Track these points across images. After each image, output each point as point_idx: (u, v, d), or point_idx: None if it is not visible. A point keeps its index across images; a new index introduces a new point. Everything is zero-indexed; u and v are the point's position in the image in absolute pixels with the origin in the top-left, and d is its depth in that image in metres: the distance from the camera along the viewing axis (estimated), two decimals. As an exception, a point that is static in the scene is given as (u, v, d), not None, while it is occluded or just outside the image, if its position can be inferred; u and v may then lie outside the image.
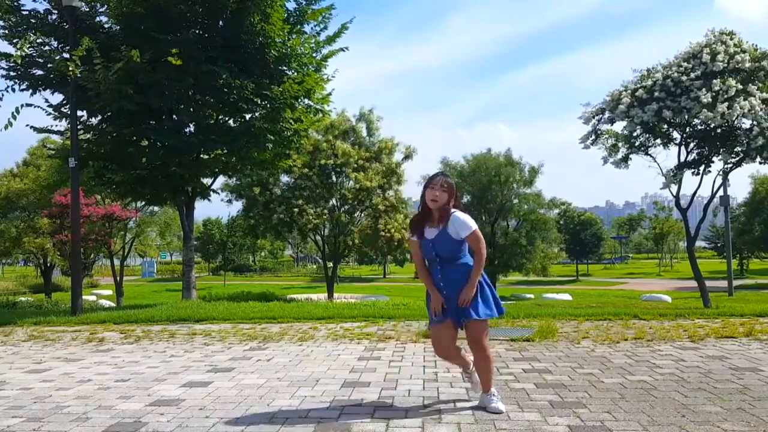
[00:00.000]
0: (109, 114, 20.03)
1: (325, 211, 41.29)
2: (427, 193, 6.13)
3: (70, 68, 16.88)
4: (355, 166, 40.08)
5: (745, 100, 18.66)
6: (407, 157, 44.06)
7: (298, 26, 20.85)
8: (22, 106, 16.28)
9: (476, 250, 6.15)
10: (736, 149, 20.20)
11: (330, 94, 21.93)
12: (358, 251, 48.45)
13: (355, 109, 50.90)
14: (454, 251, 6.15)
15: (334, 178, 41.15)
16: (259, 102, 20.07)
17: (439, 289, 6.20)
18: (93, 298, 42.46)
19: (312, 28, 21.37)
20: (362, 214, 43.02)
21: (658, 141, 21.12)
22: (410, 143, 47.07)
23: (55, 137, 32.44)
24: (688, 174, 20.97)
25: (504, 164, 59.99)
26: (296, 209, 39.22)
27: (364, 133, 44.00)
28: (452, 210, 6.16)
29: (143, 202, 32.87)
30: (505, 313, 6.56)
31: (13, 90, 18.85)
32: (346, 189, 40.77)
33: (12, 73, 19.14)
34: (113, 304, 29.86)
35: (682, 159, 20.88)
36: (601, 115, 21.02)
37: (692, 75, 19.16)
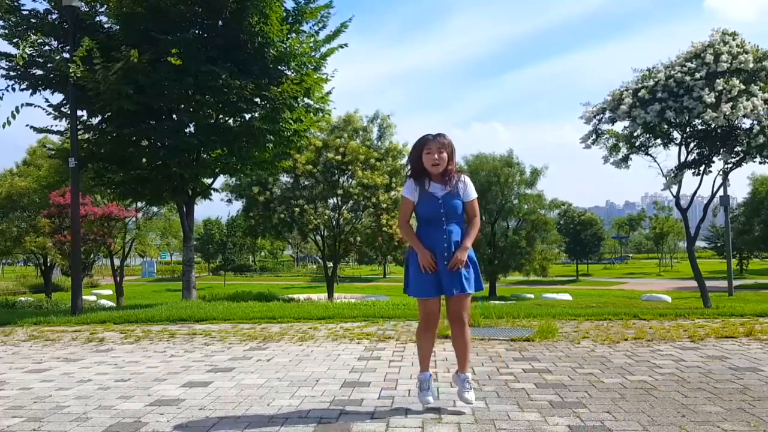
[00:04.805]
0: (109, 114, 19.99)
1: (327, 211, 41.34)
2: (426, 158, 6.13)
3: (72, 69, 16.89)
4: (361, 165, 40.06)
5: (747, 100, 18.69)
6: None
7: (297, 25, 20.85)
8: (22, 105, 16.31)
9: (474, 215, 6.32)
10: (736, 149, 20.24)
11: (330, 93, 21.94)
12: (358, 251, 48.44)
13: (368, 111, 51.05)
14: (458, 210, 6.22)
15: (337, 177, 41.12)
16: (258, 102, 20.06)
17: (439, 248, 6.14)
18: (93, 298, 42.46)
19: (311, 27, 21.37)
20: (364, 213, 43.01)
21: (659, 141, 21.15)
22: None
23: (54, 137, 32.55)
24: (688, 174, 21.00)
25: (503, 165, 60.05)
26: (297, 209, 39.27)
27: (374, 135, 44.10)
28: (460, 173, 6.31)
29: (144, 202, 32.91)
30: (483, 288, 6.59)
31: (13, 89, 18.88)
32: (351, 186, 40.67)
33: (12, 73, 19.14)
34: (113, 304, 29.86)
35: (683, 159, 20.91)
36: (602, 115, 21.05)
37: (697, 75, 19.18)
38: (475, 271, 6.26)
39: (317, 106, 21.91)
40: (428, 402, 6.22)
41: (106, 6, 19.57)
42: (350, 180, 41.14)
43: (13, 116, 15.32)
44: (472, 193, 6.30)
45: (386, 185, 41.04)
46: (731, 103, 18.75)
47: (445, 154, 6.12)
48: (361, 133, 43.36)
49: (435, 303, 6.25)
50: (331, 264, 46.66)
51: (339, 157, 39.59)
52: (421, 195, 6.19)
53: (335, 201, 42.29)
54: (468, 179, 6.32)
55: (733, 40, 19.81)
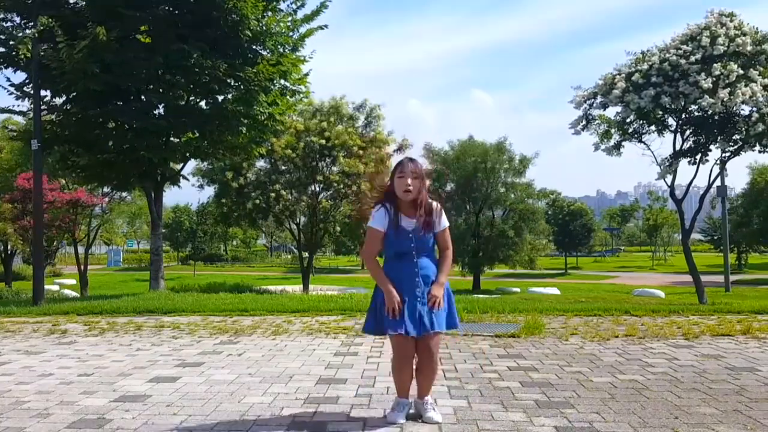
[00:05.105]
0: (74, 94, 19.88)
1: (305, 197, 41.25)
2: (398, 182, 5.93)
3: (21, 52, 16.79)
4: (344, 153, 39.94)
5: (746, 86, 18.63)
6: (400, 149, 44.10)
7: (274, 3, 20.75)
8: (-19, 84, 16.22)
9: (447, 247, 6.09)
10: (734, 137, 20.20)
11: (307, 74, 21.89)
12: (336, 241, 48.34)
13: (357, 99, 50.72)
14: (429, 244, 6.02)
15: (317, 162, 41.02)
16: (231, 83, 19.99)
17: (410, 285, 5.88)
18: (56, 287, 42.25)
19: (288, 5, 21.28)
20: (343, 202, 42.95)
21: (653, 128, 21.07)
22: (406, 136, 47.19)
23: (18, 118, 32.32)
24: (683, 163, 20.96)
25: (494, 151, 59.90)
26: (273, 194, 39.16)
27: (359, 123, 44.09)
28: (430, 201, 6.06)
29: (110, 188, 32.77)
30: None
31: (-28, 67, 18.78)
32: (332, 174, 40.59)
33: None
34: (77, 295, 29.78)
35: (678, 147, 20.87)
36: (593, 100, 20.95)
37: (692, 59, 19.13)
38: (450, 306, 6.06)
39: (293, 88, 21.84)
40: (397, 422, 5.88)
41: (71, -21, 19.46)
42: (331, 167, 41.05)
43: (-28, 95, 15.25)
44: (444, 222, 6.09)
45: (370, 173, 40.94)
46: (729, 89, 18.73)
47: (417, 182, 5.92)
48: (346, 120, 43.29)
49: (408, 339, 5.89)
50: (306, 254, 46.58)
51: (323, 141, 39.48)
52: (391, 227, 5.98)
53: (314, 188, 42.19)
54: (438, 206, 6.10)
55: (731, 21, 19.79)
